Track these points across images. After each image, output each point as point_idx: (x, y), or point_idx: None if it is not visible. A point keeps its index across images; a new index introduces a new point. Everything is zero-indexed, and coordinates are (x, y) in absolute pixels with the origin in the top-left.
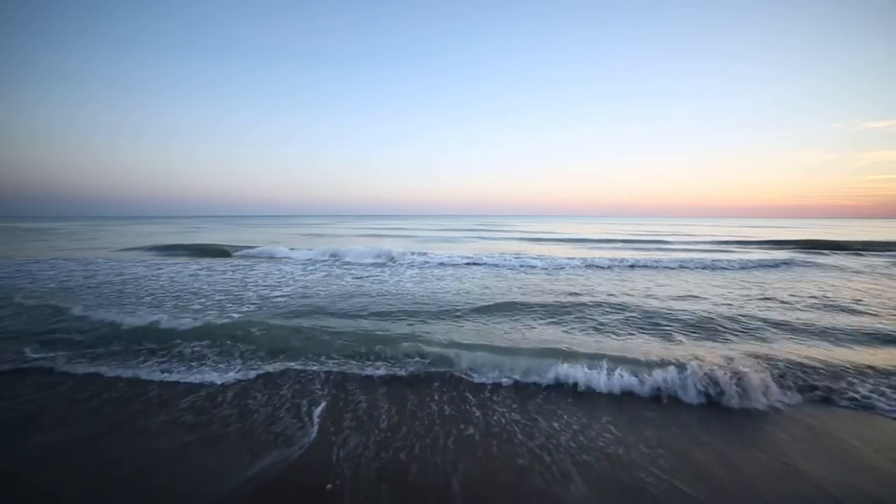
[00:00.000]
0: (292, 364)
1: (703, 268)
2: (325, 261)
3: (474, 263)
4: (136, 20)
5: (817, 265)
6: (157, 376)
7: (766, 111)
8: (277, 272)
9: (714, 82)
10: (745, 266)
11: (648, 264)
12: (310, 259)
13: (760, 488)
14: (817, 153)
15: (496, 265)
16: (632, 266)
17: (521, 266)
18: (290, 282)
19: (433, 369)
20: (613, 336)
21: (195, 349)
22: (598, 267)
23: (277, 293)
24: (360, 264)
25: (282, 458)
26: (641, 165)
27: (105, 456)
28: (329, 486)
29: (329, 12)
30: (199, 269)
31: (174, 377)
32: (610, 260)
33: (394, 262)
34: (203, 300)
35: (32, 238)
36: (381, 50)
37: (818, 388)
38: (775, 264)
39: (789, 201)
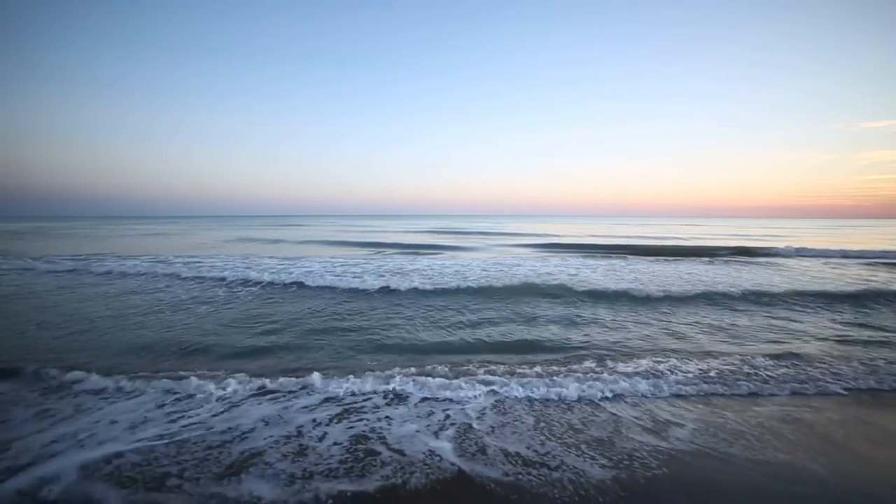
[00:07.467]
0: None
1: None
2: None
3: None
4: (138, 20)
5: None
6: None
7: (766, 111)
8: None
9: (714, 83)
10: None
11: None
12: None
13: None
14: (817, 153)
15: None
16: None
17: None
18: None
19: None
20: None
21: None
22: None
23: None
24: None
25: None
26: (642, 166)
27: None
28: None
29: (331, 13)
30: None
31: None
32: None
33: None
34: None
35: None
36: (382, 51)
37: None
38: None
39: (790, 201)
